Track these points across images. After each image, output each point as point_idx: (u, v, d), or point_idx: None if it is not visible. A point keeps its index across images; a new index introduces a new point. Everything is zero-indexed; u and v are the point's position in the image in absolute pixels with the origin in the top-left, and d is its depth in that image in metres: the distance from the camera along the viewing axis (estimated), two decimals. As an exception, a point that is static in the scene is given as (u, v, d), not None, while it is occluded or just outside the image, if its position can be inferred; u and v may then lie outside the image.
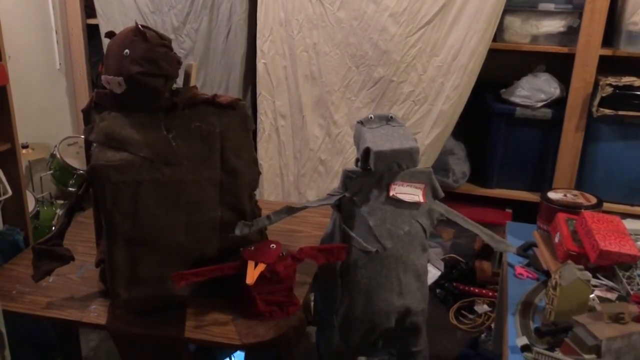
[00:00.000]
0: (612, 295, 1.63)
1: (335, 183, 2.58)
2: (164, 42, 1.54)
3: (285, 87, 2.69)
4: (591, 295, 1.53)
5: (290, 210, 1.69)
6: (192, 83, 1.64)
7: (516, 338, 1.46)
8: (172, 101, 1.57)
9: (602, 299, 1.59)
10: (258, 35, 2.67)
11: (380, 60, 2.52)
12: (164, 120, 1.57)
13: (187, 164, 1.56)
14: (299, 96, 2.67)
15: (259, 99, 2.73)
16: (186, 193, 1.57)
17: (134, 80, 1.49)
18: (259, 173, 1.75)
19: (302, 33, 2.60)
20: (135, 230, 1.53)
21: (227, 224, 1.63)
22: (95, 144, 1.55)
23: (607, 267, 1.69)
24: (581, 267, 1.51)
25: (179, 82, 1.64)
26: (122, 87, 1.51)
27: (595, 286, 1.63)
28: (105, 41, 3.00)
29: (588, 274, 1.49)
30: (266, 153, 2.77)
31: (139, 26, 1.51)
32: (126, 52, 1.49)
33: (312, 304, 2.04)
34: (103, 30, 2.97)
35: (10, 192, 2.19)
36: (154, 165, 1.53)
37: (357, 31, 2.52)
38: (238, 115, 1.64)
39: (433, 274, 2.63)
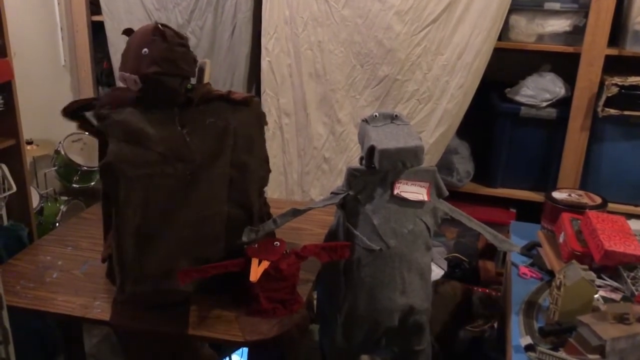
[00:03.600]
0: (616, 296, 1.62)
1: (339, 181, 2.57)
2: (182, 42, 1.54)
3: (289, 85, 2.69)
4: (595, 296, 1.53)
5: (296, 212, 1.69)
6: (205, 80, 1.65)
7: (520, 337, 1.46)
8: (187, 97, 1.57)
9: (606, 299, 1.59)
10: (263, 33, 2.67)
11: (385, 58, 2.51)
12: (179, 116, 1.57)
13: (200, 159, 1.57)
14: (303, 94, 2.67)
15: (263, 97, 2.73)
16: (197, 188, 1.57)
17: (150, 79, 1.50)
18: (269, 171, 1.75)
19: (306, 31, 2.59)
20: (145, 225, 1.53)
21: (234, 220, 1.63)
22: (109, 139, 1.55)
23: (612, 267, 1.69)
24: (585, 267, 1.51)
25: (193, 79, 1.65)
26: (137, 85, 1.52)
27: (599, 286, 1.63)
28: (112, 38, 3.03)
29: (592, 274, 1.49)
30: (270, 151, 2.75)
31: (159, 25, 1.51)
32: (145, 51, 1.50)
33: (314, 301, 2.04)
34: (108, 27, 2.98)
35: (14, 188, 2.20)
36: (167, 160, 1.53)
37: (362, 29, 2.52)
38: (252, 112, 1.65)
39: (436, 272, 2.61)
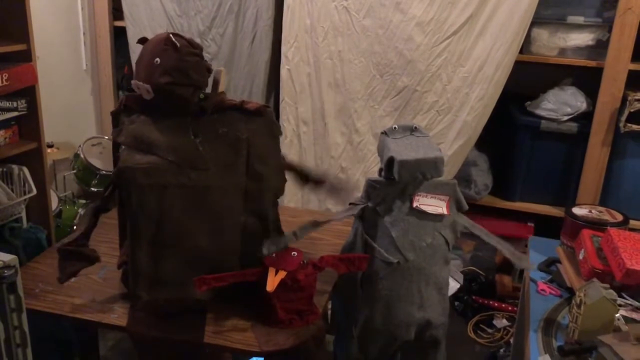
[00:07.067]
0: (637, 316, 1.59)
1: (356, 191, 2.56)
2: (195, 51, 1.55)
3: (308, 93, 2.69)
4: (616, 315, 1.51)
5: (315, 225, 1.68)
6: (220, 89, 1.65)
7: (538, 356, 1.44)
8: (200, 106, 1.58)
9: (627, 319, 1.56)
10: (283, 41, 2.67)
11: (405, 69, 2.51)
12: (192, 125, 1.58)
13: (213, 169, 1.57)
14: (321, 103, 2.67)
15: (282, 105, 2.74)
16: (211, 198, 1.57)
17: (162, 89, 1.51)
18: (285, 180, 1.75)
19: (327, 40, 2.60)
20: (160, 233, 1.54)
21: (250, 230, 1.64)
22: (123, 146, 1.56)
23: (633, 286, 1.66)
24: (607, 285, 1.49)
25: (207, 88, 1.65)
26: (150, 94, 1.53)
27: (620, 305, 1.60)
28: (133, 44, 3.05)
29: (614, 293, 1.46)
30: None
31: (171, 35, 1.52)
32: (157, 61, 1.50)
33: (329, 312, 2.03)
34: (130, 33, 3.01)
35: (34, 191, 2.22)
36: (180, 169, 1.54)
37: (383, 40, 2.51)
38: (265, 122, 1.64)
39: (452, 286, 2.60)
